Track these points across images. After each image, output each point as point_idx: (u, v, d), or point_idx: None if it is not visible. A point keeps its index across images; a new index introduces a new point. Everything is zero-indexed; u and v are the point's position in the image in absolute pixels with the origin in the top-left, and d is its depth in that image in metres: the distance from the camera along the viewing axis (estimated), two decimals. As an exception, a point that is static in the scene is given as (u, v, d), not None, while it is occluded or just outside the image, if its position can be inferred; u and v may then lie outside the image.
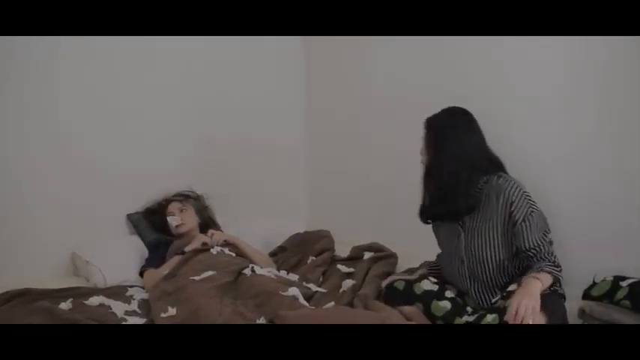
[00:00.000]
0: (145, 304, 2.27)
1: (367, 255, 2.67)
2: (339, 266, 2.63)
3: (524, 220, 1.98)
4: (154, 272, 2.50)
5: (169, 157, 2.97)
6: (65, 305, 2.15)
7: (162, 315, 2.08)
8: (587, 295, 2.03)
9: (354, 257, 2.72)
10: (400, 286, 2.17)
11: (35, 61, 2.56)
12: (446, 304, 2.07)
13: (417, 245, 2.57)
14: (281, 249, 2.94)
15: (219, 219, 2.97)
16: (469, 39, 2.45)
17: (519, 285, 1.93)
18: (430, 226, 2.28)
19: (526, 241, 1.98)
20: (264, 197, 3.32)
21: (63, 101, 2.65)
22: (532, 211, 2.00)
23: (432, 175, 2.13)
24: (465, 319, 2.01)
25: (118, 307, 2.20)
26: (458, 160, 2.06)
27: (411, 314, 2.11)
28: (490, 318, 1.91)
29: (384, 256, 2.62)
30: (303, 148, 3.51)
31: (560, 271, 1.95)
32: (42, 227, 2.61)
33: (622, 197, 2.09)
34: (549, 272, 1.92)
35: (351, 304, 2.18)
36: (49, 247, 2.65)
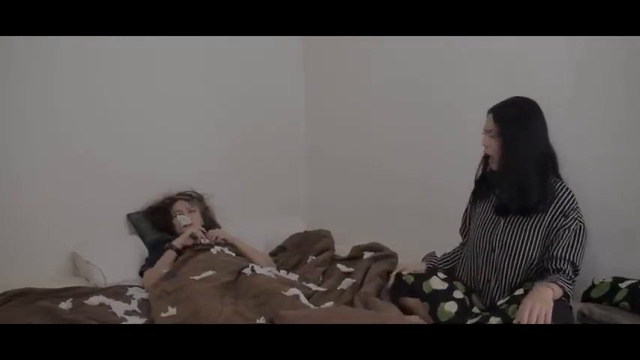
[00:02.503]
0: (145, 304, 2.28)
1: (367, 255, 2.67)
2: (339, 266, 2.63)
3: (567, 230, 1.97)
4: (152, 272, 2.50)
5: (170, 158, 2.97)
6: (65, 305, 2.15)
7: (163, 315, 2.08)
8: (586, 297, 2.03)
9: (354, 257, 2.72)
10: (409, 280, 2.16)
11: (36, 61, 2.56)
12: (452, 307, 2.05)
13: (417, 245, 2.58)
14: (281, 249, 2.94)
15: (220, 219, 2.97)
16: (469, 39, 2.46)
17: (528, 291, 1.92)
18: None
19: (558, 249, 1.96)
20: (264, 197, 3.32)
21: (63, 101, 2.65)
22: (580, 227, 1.98)
23: (504, 169, 2.03)
24: (469, 322, 1.99)
25: (118, 307, 2.20)
26: (532, 156, 1.99)
27: (415, 306, 2.11)
28: (494, 321, 1.90)
29: (383, 256, 2.62)
30: (304, 149, 3.51)
31: (572, 289, 1.93)
32: (42, 227, 2.61)
33: (621, 198, 2.09)
34: (562, 287, 1.89)
35: (351, 303, 2.18)
36: (50, 246, 2.65)
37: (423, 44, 2.71)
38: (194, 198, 2.88)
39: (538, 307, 1.78)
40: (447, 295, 2.09)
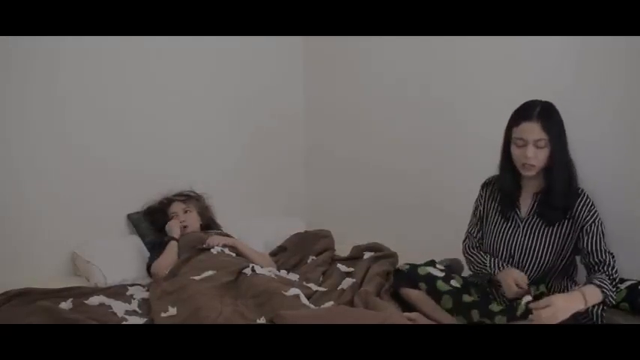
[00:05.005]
0: (145, 304, 2.28)
1: (367, 255, 2.68)
2: (339, 266, 2.63)
3: (594, 224, 1.95)
4: (162, 260, 2.55)
5: (170, 158, 2.97)
6: (65, 305, 2.16)
7: (163, 314, 2.08)
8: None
9: (354, 257, 2.72)
10: (405, 268, 2.20)
11: (37, 61, 2.56)
12: (452, 284, 2.10)
13: (417, 245, 2.58)
14: (281, 249, 2.94)
15: (220, 219, 2.97)
16: (468, 39, 2.46)
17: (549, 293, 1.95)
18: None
19: (593, 243, 1.94)
20: (264, 197, 3.32)
21: (64, 102, 2.65)
22: (601, 223, 1.97)
23: (556, 177, 1.97)
24: (473, 299, 2.02)
25: (119, 307, 2.20)
26: (570, 158, 2.00)
27: (416, 298, 2.14)
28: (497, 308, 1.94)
29: (383, 256, 2.63)
30: (304, 148, 3.51)
31: (613, 291, 1.86)
32: (43, 227, 2.62)
33: (619, 198, 2.09)
34: (599, 286, 1.84)
35: (351, 303, 2.18)
36: (50, 246, 2.65)
37: (423, 44, 2.71)
38: (191, 198, 2.88)
39: (555, 316, 1.74)
40: (443, 280, 2.12)
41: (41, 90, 2.58)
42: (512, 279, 1.96)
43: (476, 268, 2.15)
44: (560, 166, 1.96)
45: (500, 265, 2.06)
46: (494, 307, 1.98)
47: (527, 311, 1.86)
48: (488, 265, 2.08)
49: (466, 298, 2.02)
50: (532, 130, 1.92)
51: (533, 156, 1.93)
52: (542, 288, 2.04)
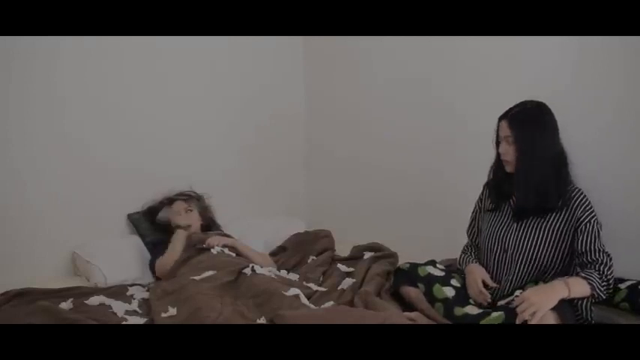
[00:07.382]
0: (145, 304, 2.28)
1: (367, 255, 2.68)
2: (339, 265, 2.63)
3: (589, 223, 1.95)
4: (167, 255, 2.56)
5: (170, 157, 2.97)
6: (66, 305, 2.16)
7: (163, 315, 2.08)
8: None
9: (355, 257, 2.72)
10: (406, 267, 2.23)
11: (37, 61, 2.56)
12: (449, 292, 2.08)
13: (417, 245, 2.58)
14: (281, 249, 2.94)
15: (220, 219, 2.97)
16: (468, 39, 2.46)
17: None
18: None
19: (588, 243, 1.94)
20: (264, 197, 3.32)
21: (65, 102, 2.65)
22: (596, 222, 1.97)
23: (522, 173, 2.02)
24: (467, 310, 2.00)
25: (119, 307, 2.21)
26: (548, 156, 2.01)
27: (415, 296, 2.15)
28: (495, 315, 1.91)
29: (383, 256, 2.63)
30: (304, 148, 3.51)
31: (603, 289, 1.86)
32: (43, 227, 2.62)
33: (619, 198, 2.09)
34: (584, 278, 1.86)
35: (351, 303, 2.18)
36: (50, 246, 2.65)
37: (423, 44, 2.72)
38: (192, 198, 2.88)
39: (532, 301, 1.78)
40: (443, 280, 2.13)
41: (41, 90, 2.58)
42: (478, 276, 2.08)
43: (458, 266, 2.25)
44: (525, 165, 2.01)
45: (467, 262, 2.19)
46: (485, 322, 1.95)
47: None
48: (458, 261, 2.21)
49: (457, 311, 2.01)
50: (503, 128, 2.05)
51: (504, 152, 2.05)
52: (519, 292, 1.99)
